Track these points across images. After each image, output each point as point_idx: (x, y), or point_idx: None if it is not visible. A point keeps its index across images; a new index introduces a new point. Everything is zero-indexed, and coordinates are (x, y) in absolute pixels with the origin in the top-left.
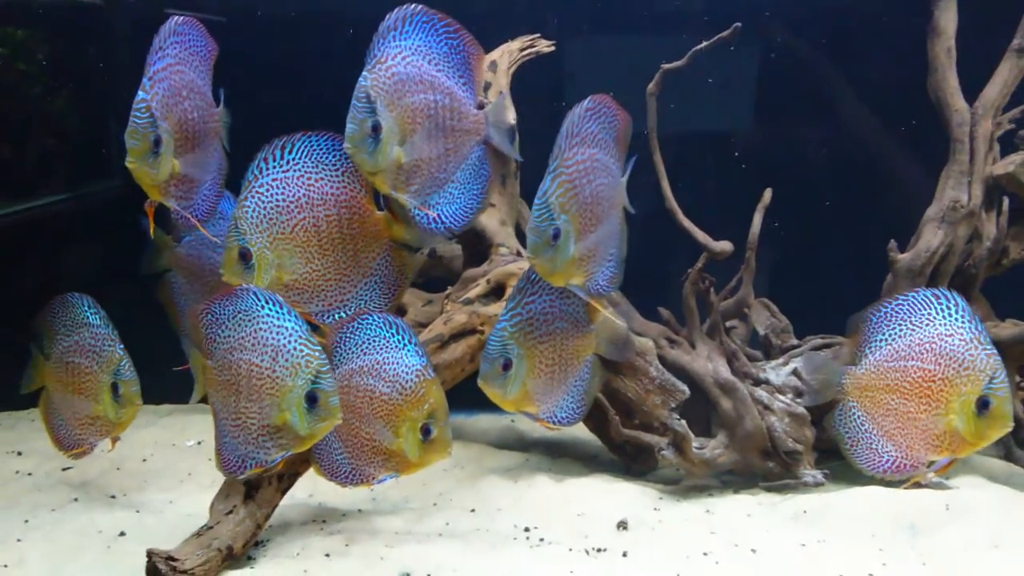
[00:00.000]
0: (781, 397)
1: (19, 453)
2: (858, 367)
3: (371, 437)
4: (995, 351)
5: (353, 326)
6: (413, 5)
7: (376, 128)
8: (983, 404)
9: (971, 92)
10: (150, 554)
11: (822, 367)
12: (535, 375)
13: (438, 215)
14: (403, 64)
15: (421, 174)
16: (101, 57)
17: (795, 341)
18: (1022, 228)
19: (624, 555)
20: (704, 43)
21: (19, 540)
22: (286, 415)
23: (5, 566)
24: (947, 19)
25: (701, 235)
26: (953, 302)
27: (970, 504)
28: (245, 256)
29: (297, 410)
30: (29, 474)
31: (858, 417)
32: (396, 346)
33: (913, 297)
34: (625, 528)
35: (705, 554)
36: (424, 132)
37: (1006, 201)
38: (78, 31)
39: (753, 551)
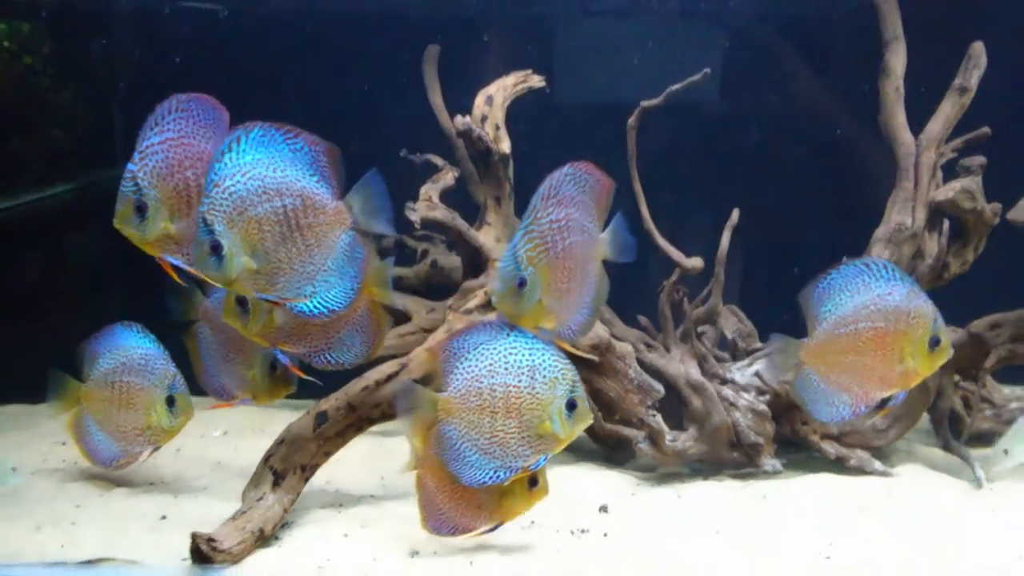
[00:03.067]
0: (745, 395)
1: (63, 443)
2: (810, 339)
3: (478, 493)
4: (927, 297)
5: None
6: (249, 124)
7: (215, 247)
8: (935, 342)
9: (919, 124)
10: (194, 536)
11: (781, 345)
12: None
13: (319, 302)
14: (243, 181)
15: (284, 272)
16: (105, 48)
17: (759, 344)
18: (961, 246)
19: (605, 535)
20: (677, 85)
21: (73, 523)
22: (547, 424)
23: (62, 546)
24: (896, 61)
25: (675, 253)
26: (882, 265)
27: (910, 489)
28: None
29: (558, 418)
30: (76, 463)
31: (815, 381)
32: None
33: (844, 270)
34: (606, 511)
35: (675, 534)
36: (276, 237)
37: (946, 223)
38: (82, 23)
39: (717, 532)
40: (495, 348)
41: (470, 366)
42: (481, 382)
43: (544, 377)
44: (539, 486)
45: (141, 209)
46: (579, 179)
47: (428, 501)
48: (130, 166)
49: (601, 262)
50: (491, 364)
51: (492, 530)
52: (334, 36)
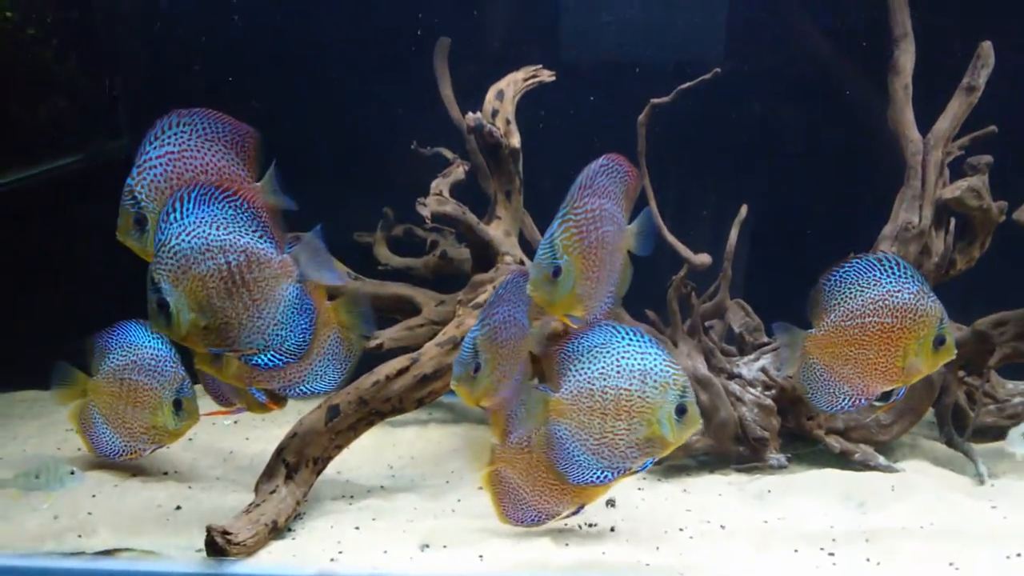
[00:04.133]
0: (752, 390)
1: None
2: (817, 330)
3: (561, 479)
4: (936, 298)
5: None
6: (189, 187)
7: (162, 305)
8: (939, 341)
9: (927, 123)
10: (209, 529)
11: (786, 336)
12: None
13: (272, 355)
14: (187, 239)
15: (233, 327)
16: (108, 18)
17: (766, 339)
18: (967, 243)
19: (612, 530)
20: (688, 83)
21: (89, 513)
22: (656, 428)
23: (80, 536)
24: (905, 59)
25: (683, 249)
26: (894, 262)
27: (912, 485)
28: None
29: (668, 422)
30: None
31: (819, 370)
32: None
33: (857, 263)
34: (613, 506)
35: (681, 529)
36: (222, 293)
37: (953, 222)
38: None
39: (722, 527)
40: (608, 351)
41: (583, 368)
42: (593, 384)
43: (655, 381)
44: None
45: (140, 222)
46: (612, 170)
47: (506, 494)
48: (128, 180)
49: (626, 252)
50: (604, 367)
51: (575, 513)
52: (343, 17)
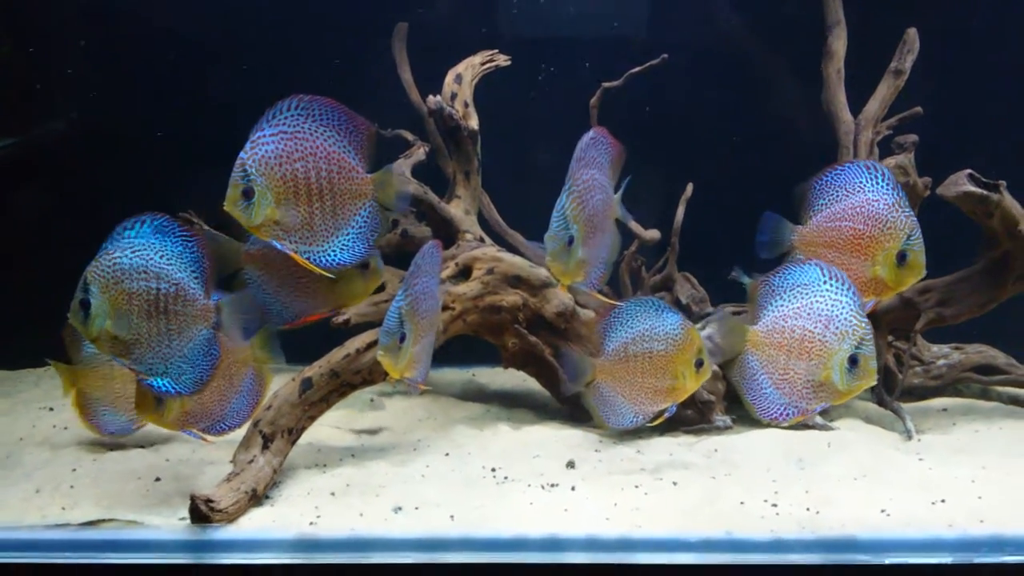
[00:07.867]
0: None
1: (50, 409)
2: (804, 226)
3: (652, 383)
4: (912, 214)
5: (619, 310)
6: (153, 213)
7: (84, 304)
8: (902, 257)
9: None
10: (192, 497)
11: (776, 227)
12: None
13: (169, 383)
14: (130, 255)
15: (141, 347)
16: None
17: (711, 309)
18: None
19: (572, 489)
20: (637, 68)
21: (71, 487)
22: (830, 373)
23: (63, 508)
24: (838, 44)
25: (634, 225)
26: (880, 172)
27: (846, 442)
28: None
29: (839, 370)
30: (66, 428)
31: None
32: (656, 312)
33: (848, 167)
34: (573, 467)
35: (636, 487)
36: (142, 313)
37: None
38: None
39: (674, 483)
40: (807, 292)
41: (781, 305)
42: (786, 322)
43: (836, 328)
44: (704, 367)
45: (248, 194)
46: (598, 143)
47: (606, 403)
48: (241, 154)
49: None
50: (798, 307)
51: (669, 413)
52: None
